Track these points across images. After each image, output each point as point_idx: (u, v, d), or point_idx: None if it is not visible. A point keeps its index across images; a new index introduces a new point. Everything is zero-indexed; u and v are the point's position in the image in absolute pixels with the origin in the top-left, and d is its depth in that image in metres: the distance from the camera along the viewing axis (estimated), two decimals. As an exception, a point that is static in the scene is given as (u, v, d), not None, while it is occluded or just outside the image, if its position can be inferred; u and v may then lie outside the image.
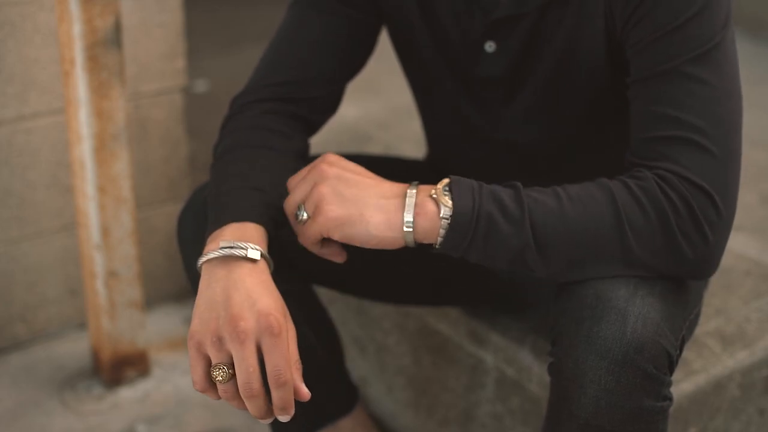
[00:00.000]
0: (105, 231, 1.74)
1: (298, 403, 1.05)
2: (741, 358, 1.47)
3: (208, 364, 1.03)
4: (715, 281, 1.61)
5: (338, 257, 1.14)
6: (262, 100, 1.26)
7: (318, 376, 1.32)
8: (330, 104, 1.31)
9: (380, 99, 2.40)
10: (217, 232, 1.09)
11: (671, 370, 1.06)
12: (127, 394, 1.86)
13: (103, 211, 1.73)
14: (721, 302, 1.57)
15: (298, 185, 1.11)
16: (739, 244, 1.77)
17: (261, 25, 2.77)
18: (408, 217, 1.06)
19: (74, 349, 1.98)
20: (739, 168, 1.09)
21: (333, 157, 1.11)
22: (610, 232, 1.04)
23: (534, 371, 1.46)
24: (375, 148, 2.07)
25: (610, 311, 1.03)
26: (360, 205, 1.07)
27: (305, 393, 1.04)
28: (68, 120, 1.72)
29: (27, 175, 1.87)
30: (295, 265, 1.30)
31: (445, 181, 1.07)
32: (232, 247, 1.05)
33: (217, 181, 1.17)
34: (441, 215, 1.05)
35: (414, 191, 1.07)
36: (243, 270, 1.04)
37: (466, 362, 1.58)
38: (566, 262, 1.06)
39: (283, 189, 1.14)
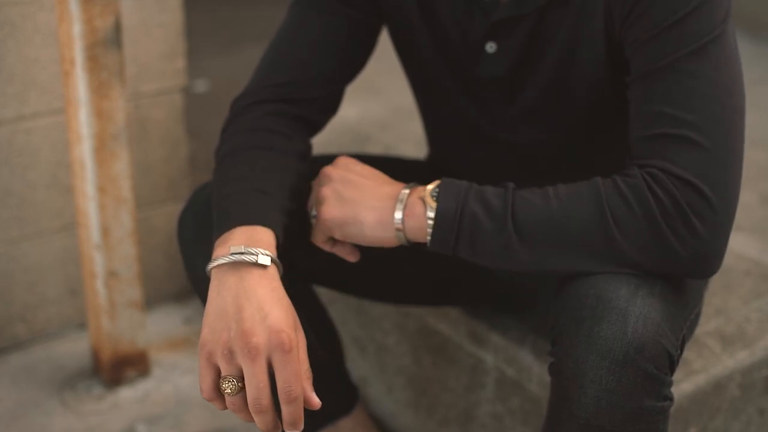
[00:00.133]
0: (105, 231, 1.74)
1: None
2: (741, 358, 1.47)
3: (218, 374, 1.03)
4: (715, 281, 1.61)
5: (350, 256, 1.20)
6: (263, 102, 1.26)
7: (318, 377, 1.32)
8: (330, 104, 1.31)
9: (380, 99, 2.40)
10: (226, 235, 1.08)
11: (672, 370, 1.06)
12: (127, 394, 1.86)
13: (103, 211, 1.73)
14: (721, 302, 1.57)
15: (313, 187, 1.19)
16: (739, 244, 1.77)
17: (261, 25, 2.77)
18: (398, 216, 1.12)
19: (74, 349, 1.98)
20: (739, 163, 1.08)
21: (343, 160, 1.18)
22: (590, 225, 1.05)
23: (534, 371, 1.46)
24: (375, 149, 2.07)
25: (611, 311, 1.03)
26: (356, 206, 1.13)
27: (316, 402, 1.04)
28: (68, 120, 1.71)
29: (27, 175, 1.87)
30: (295, 265, 1.29)
31: (437, 182, 1.11)
32: (242, 253, 1.04)
33: (219, 185, 1.17)
34: (427, 215, 1.10)
35: (406, 192, 1.12)
36: (253, 277, 1.04)
37: (466, 362, 1.58)
38: (548, 251, 1.07)
39: (287, 190, 1.17)
